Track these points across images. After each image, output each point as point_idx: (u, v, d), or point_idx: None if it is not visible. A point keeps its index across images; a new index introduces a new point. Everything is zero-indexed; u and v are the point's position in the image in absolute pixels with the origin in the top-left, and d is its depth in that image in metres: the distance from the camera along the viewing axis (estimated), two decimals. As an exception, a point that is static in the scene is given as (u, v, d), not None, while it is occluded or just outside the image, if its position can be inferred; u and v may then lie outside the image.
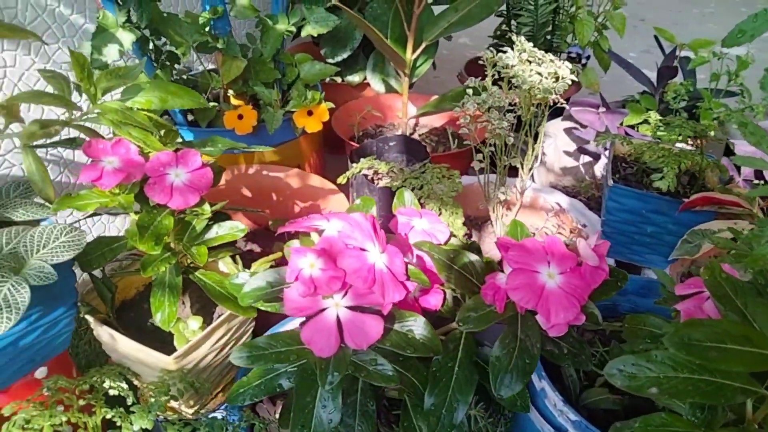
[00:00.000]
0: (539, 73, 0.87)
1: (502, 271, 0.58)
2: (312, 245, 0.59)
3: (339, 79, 1.50)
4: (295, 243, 0.70)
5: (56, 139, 0.74)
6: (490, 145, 0.88)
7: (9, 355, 0.68)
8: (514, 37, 0.95)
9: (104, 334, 0.74)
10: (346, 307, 0.51)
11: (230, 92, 1.16)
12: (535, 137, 0.96)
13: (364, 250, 0.51)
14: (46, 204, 0.71)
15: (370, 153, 1.05)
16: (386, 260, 0.51)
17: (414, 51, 1.22)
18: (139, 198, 0.72)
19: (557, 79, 0.87)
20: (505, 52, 0.90)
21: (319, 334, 0.50)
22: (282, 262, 0.83)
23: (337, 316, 0.51)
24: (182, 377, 0.72)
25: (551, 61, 0.90)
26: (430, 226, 0.70)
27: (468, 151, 1.25)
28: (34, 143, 0.71)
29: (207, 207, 0.72)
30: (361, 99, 1.45)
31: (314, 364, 0.51)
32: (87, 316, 0.74)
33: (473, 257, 0.61)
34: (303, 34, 1.17)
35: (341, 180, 0.94)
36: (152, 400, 0.69)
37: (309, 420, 0.54)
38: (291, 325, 0.80)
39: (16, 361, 0.70)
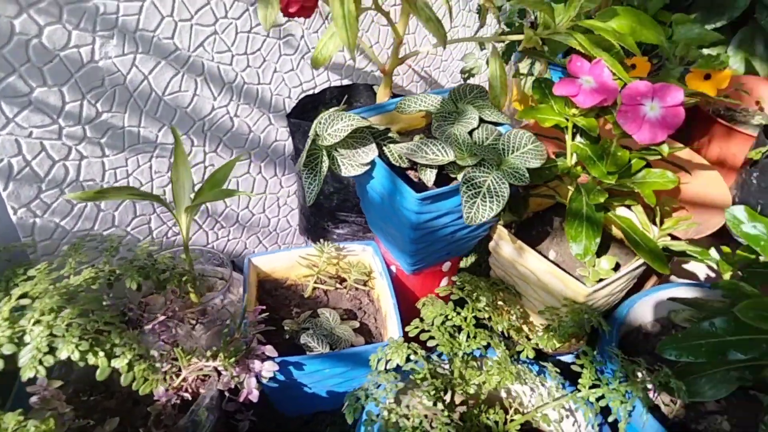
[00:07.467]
0: None
1: None
2: None
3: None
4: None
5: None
6: None
7: (442, 243, 0.72)
8: None
9: (508, 247, 0.76)
10: None
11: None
12: None
13: None
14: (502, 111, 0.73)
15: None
16: None
17: None
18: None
19: None
20: None
21: None
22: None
23: None
24: (579, 311, 0.71)
25: None
26: None
27: None
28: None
29: (665, 147, 0.68)
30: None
31: None
32: (500, 227, 0.76)
33: None
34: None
35: (754, 155, 0.84)
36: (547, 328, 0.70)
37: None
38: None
39: (443, 249, 0.75)
